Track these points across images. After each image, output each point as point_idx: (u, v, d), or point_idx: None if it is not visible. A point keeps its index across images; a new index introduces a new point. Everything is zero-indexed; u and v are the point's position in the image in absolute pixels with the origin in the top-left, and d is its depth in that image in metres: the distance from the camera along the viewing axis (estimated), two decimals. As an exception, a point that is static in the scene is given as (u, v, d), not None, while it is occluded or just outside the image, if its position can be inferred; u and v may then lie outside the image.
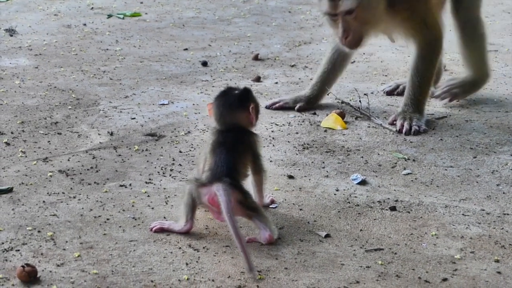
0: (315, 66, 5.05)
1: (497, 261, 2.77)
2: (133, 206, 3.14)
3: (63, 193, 3.25)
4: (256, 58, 5.51)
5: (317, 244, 2.86)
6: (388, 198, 3.27)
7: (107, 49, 5.68)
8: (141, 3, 7.35)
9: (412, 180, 3.48)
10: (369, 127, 4.14)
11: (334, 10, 3.85)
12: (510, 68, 5.27)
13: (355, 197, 3.28)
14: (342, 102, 4.47)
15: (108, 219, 3.02)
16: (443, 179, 3.49)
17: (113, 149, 3.77)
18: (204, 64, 5.33)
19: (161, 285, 2.54)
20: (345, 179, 3.47)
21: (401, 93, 4.50)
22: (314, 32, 6.42)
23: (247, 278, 2.58)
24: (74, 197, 3.21)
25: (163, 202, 3.18)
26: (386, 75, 5.13)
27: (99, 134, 3.96)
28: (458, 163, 3.67)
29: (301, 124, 4.18)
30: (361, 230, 2.99)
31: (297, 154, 3.76)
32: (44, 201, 3.16)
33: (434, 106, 4.48)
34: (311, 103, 4.42)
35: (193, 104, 4.47)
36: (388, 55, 5.63)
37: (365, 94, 4.57)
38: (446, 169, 3.59)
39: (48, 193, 3.24)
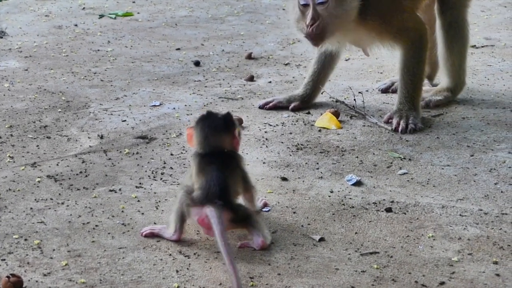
0: (309, 64, 4.97)
1: (495, 262, 2.70)
2: (122, 211, 3.07)
3: (51, 199, 3.18)
4: (249, 57, 5.43)
5: (311, 248, 2.80)
6: (384, 199, 3.20)
7: (98, 50, 5.61)
8: (134, 2, 7.27)
9: (408, 180, 3.41)
10: (364, 126, 4.07)
11: None
12: (507, 63, 5.20)
13: (350, 198, 3.21)
14: (337, 101, 4.40)
15: (97, 225, 2.95)
16: (440, 178, 3.42)
17: (103, 153, 3.70)
18: (197, 64, 5.26)
19: (150, 294, 2.48)
20: (339, 180, 3.40)
21: (396, 91, 4.42)
22: (308, 29, 6.34)
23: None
24: (63, 203, 3.14)
25: (153, 207, 3.11)
26: (381, 72, 5.06)
27: (89, 138, 3.89)
28: (455, 161, 3.60)
29: (295, 124, 4.11)
30: (356, 233, 2.92)
31: (290, 155, 3.69)
32: (31, 208, 3.09)
33: (430, 104, 4.41)
34: (305, 102, 4.36)
35: (185, 105, 4.40)
36: (383, 51, 5.54)
37: (360, 92, 4.50)
38: (442, 168, 3.52)
39: (36, 200, 3.17)
